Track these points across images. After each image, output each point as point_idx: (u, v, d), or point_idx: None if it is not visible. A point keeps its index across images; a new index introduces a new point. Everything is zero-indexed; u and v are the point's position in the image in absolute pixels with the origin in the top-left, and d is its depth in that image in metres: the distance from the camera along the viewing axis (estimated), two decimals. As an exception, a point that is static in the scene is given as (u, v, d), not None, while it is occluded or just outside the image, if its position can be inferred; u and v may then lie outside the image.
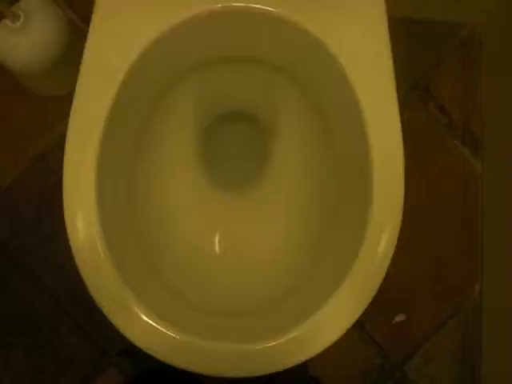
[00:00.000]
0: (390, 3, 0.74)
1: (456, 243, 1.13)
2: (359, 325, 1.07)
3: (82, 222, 0.66)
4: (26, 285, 1.08)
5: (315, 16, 0.72)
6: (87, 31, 0.71)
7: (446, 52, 1.15)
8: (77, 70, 0.71)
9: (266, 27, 0.75)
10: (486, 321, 1.11)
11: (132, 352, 1.04)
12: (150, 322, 0.65)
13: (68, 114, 0.69)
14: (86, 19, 1.02)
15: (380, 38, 0.72)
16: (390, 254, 0.67)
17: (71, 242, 0.66)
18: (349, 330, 0.66)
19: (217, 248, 0.85)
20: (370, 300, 0.67)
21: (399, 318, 1.09)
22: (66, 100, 0.70)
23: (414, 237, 1.08)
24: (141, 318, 0.65)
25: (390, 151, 0.69)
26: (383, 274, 0.67)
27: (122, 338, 0.65)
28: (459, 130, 1.14)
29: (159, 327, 0.65)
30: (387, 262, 0.68)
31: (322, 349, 0.66)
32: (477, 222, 1.13)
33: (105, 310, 0.66)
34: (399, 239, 0.67)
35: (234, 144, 0.93)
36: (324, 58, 0.72)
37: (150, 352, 0.67)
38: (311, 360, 0.66)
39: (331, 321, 0.66)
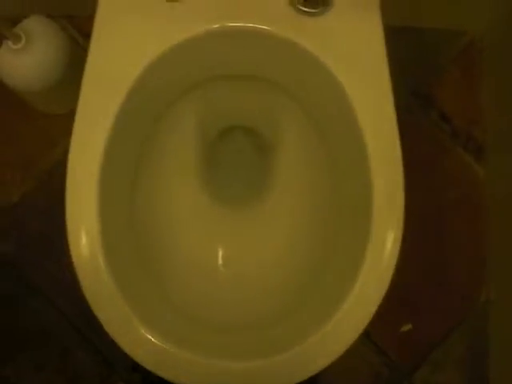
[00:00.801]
0: (390, 12, 0.74)
1: (461, 249, 1.12)
2: (366, 335, 1.06)
3: (84, 238, 0.67)
4: (34, 300, 1.09)
5: (310, 32, 0.72)
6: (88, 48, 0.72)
7: (447, 59, 1.15)
8: (80, 86, 0.72)
9: (263, 45, 0.75)
10: (493, 327, 1.10)
11: (140, 367, 1.04)
12: (154, 341, 0.66)
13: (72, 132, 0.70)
14: (88, 36, 1.03)
15: (376, 51, 0.73)
16: (394, 264, 0.68)
17: (74, 259, 0.67)
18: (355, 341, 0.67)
19: (219, 263, 0.85)
20: (376, 310, 0.67)
21: (406, 327, 1.09)
22: (71, 117, 0.71)
23: (419, 244, 1.08)
24: (145, 337, 0.66)
25: (388, 162, 0.70)
26: (387, 284, 0.67)
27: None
28: (462, 137, 1.14)
29: (164, 346, 0.66)
30: (391, 272, 0.68)
31: (330, 362, 0.66)
32: (481, 227, 1.12)
33: (107, 328, 0.66)
34: (403, 247, 0.67)
35: (236, 159, 0.93)
36: (321, 74, 0.73)
37: (156, 372, 0.67)
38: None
39: (338, 333, 0.67)
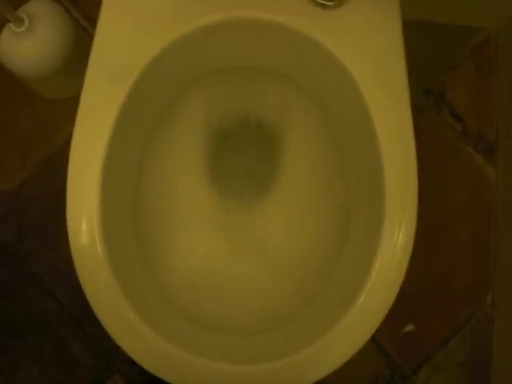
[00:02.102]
0: (405, 7, 0.72)
1: (468, 252, 1.11)
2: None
3: (84, 227, 0.65)
4: (31, 290, 1.07)
5: (325, 25, 0.70)
6: (92, 32, 0.70)
7: (460, 57, 1.12)
8: (83, 71, 0.70)
9: (275, 38, 0.73)
10: (496, 331, 1.09)
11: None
12: (151, 338, 0.64)
13: (74, 118, 0.68)
14: (92, 20, 1.01)
15: (394, 46, 0.70)
16: (406, 265, 0.66)
17: (72, 247, 0.65)
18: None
19: (224, 261, 0.83)
20: (386, 313, 0.65)
21: (409, 327, 1.08)
22: (74, 102, 0.69)
23: (425, 245, 1.06)
24: (142, 334, 0.65)
25: (402, 160, 0.68)
26: (398, 288, 0.66)
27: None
28: (473, 136, 1.12)
29: (162, 345, 0.65)
30: (402, 274, 0.66)
31: (338, 366, 0.65)
32: (490, 230, 1.11)
33: (103, 322, 0.66)
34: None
35: (243, 153, 0.91)
36: (335, 70, 0.71)
37: (152, 371, 0.66)
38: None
39: (346, 337, 0.65)
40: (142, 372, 1.03)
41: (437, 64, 1.12)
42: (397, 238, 0.66)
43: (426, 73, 1.10)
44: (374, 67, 0.70)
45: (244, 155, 0.91)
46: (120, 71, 0.69)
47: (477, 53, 1.13)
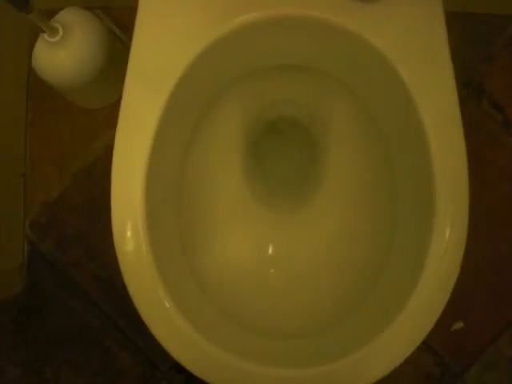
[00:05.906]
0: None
1: (515, 247, 1.08)
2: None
3: (129, 235, 0.65)
4: (75, 300, 1.07)
5: (366, 19, 0.68)
6: (126, 40, 0.69)
7: (499, 46, 1.10)
8: (118, 80, 0.69)
9: (315, 34, 0.72)
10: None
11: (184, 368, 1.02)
12: (200, 343, 0.64)
13: (111, 126, 0.68)
14: (125, 28, 1.00)
15: (438, 39, 0.69)
16: (459, 264, 0.65)
17: (118, 255, 0.65)
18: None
19: (269, 264, 0.82)
20: (441, 312, 0.65)
21: (458, 325, 1.05)
22: (110, 111, 0.69)
23: (473, 241, 1.03)
24: (190, 339, 0.64)
25: (452, 154, 0.66)
26: (452, 286, 0.66)
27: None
28: (515, 127, 1.10)
29: (210, 350, 0.64)
30: (456, 273, 0.65)
31: (393, 367, 0.64)
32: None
33: (152, 329, 0.64)
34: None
35: (283, 153, 0.90)
36: (378, 65, 0.69)
37: (200, 376, 0.65)
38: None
39: (401, 337, 0.65)
40: (189, 379, 1.04)
41: (473, 55, 1.10)
42: (449, 236, 0.64)
43: (464, 63, 1.08)
44: (420, 60, 0.69)
45: (285, 153, 0.90)
46: (160, 76, 0.68)
47: (515, 42, 1.10)
